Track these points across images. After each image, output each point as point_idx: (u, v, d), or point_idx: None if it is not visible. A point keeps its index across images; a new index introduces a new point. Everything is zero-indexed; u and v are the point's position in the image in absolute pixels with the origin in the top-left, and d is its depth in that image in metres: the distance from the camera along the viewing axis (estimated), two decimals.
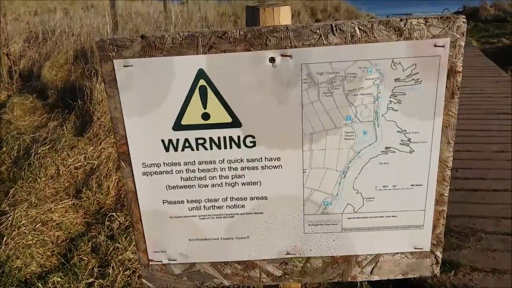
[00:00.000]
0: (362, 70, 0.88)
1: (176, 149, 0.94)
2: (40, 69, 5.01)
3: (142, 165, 0.96)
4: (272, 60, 0.88)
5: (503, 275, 2.33)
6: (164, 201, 0.99)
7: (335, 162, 0.96)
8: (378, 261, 1.05)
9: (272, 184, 0.97)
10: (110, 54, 0.87)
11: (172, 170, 0.96)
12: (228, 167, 0.96)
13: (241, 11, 8.84)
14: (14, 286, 2.43)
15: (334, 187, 0.98)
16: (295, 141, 0.94)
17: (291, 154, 0.95)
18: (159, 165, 0.96)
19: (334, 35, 0.86)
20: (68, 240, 2.82)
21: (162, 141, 0.94)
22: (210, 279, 1.06)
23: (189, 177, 0.97)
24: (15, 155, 3.71)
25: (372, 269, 1.06)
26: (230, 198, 0.99)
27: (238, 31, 0.86)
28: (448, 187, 0.99)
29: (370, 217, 1.00)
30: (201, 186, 0.97)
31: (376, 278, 1.07)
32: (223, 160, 0.95)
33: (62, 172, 3.47)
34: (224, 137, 0.93)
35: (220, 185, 0.97)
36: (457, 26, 0.86)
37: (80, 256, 2.62)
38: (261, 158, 0.95)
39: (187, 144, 0.94)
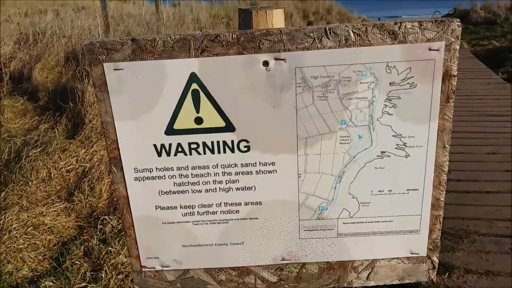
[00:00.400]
0: (356, 74, 0.87)
1: (168, 154, 0.93)
2: (31, 71, 4.96)
3: (134, 170, 0.94)
4: (265, 63, 0.86)
5: (497, 277, 2.34)
6: (157, 207, 0.97)
7: (331, 167, 0.95)
8: (375, 266, 1.04)
9: (266, 189, 0.96)
10: (100, 57, 0.86)
11: (164, 175, 0.94)
12: (222, 172, 0.94)
13: (234, 13, 8.84)
14: None
15: (330, 192, 0.97)
16: (289, 146, 0.92)
17: (286, 158, 0.93)
18: (151, 170, 0.94)
19: (328, 38, 0.85)
20: (60, 244, 2.79)
21: (154, 145, 0.92)
22: (204, 285, 1.05)
23: (182, 182, 0.95)
24: (5, 158, 3.66)
25: (369, 274, 1.05)
26: (224, 203, 0.97)
27: (230, 34, 0.84)
28: (444, 192, 0.98)
29: (366, 222, 0.99)
30: (195, 191, 0.96)
31: (372, 283, 1.06)
32: (217, 165, 0.94)
33: (54, 175, 3.43)
34: (218, 142, 0.92)
35: (214, 190, 0.96)
36: (452, 29, 0.85)
37: (72, 260, 2.59)
38: (256, 163, 0.94)
39: (180, 149, 0.92)
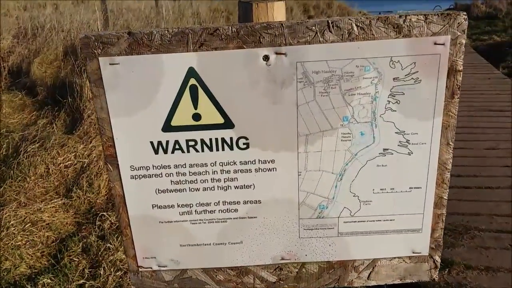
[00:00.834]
0: (359, 68, 0.85)
1: (165, 152, 0.90)
2: (29, 65, 4.92)
3: (130, 168, 0.92)
4: (266, 58, 0.84)
5: (497, 273, 2.33)
6: (154, 206, 0.95)
7: (332, 165, 0.92)
8: (375, 266, 1.02)
9: (266, 188, 0.94)
10: (95, 51, 0.83)
11: (161, 173, 0.92)
12: (221, 170, 0.92)
13: (234, 7, 8.78)
14: None
15: (330, 190, 0.94)
16: (290, 143, 0.90)
17: (286, 156, 0.91)
18: (148, 168, 0.91)
19: (331, 32, 0.82)
20: (58, 241, 2.78)
21: (151, 143, 0.89)
22: (202, 285, 1.03)
23: (180, 181, 0.92)
24: (3, 153, 3.64)
25: (369, 274, 1.03)
26: (223, 202, 0.95)
27: (230, 28, 0.81)
28: (448, 190, 0.96)
29: (367, 221, 0.97)
30: (192, 189, 0.93)
31: (373, 283, 1.04)
32: (215, 163, 0.91)
33: (52, 170, 3.41)
34: (216, 139, 0.89)
35: (212, 188, 0.93)
36: (458, 23, 0.82)
37: (71, 257, 2.58)
38: (255, 161, 0.91)
39: (177, 146, 0.90)
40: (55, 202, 3.09)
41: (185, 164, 0.91)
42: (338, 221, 0.97)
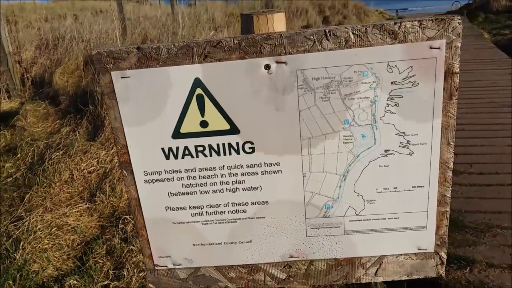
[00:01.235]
0: (357, 74, 0.88)
1: (176, 157, 0.96)
2: (51, 75, 5.09)
3: (143, 173, 0.98)
4: (267, 67, 0.89)
5: None
6: (167, 208, 1.01)
7: (335, 166, 0.96)
8: (382, 262, 1.05)
9: (272, 189, 0.98)
10: (107, 66, 0.89)
11: (173, 178, 0.98)
12: (228, 173, 0.97)
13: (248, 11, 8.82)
14: None
15: (335, 190, 0.98)
16: (293, 146, 0.94)
17: (290, 159, 0.95)
18: (160, 172, 0.97)
19: (328, 40, 0.87)
20: (83, 243, 2.87)
21: (162, 149, 0.95)
22: (215, 282, 1.08)
23: (190, 184, 0.98)
24: (29, 161, 3.78)
25: (376, 270, 1.06)
26: (232, 203, 1.00)
27: (232, 40, 0.87)
28: (450, 188, 0.99)
29: (372, 220, 1.01)
30: (203, 192, 0.99)
31: (380, 279, 1.07)
32: (223, 167, 0.96)
33: (76, 176, 3.53)
34: (223, 144, 0.95)
35: (221, 191, 0.99)
36: (453, 27, 0.85)
37: (96, 259, 2.66)
38: (261, 164, 0.96)
39: (186, 152, 0.95)
40: (80, 206, 3.20)
41: (194, 169, 0.97)
42: (344, 220, 1.01)
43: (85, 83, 4.76)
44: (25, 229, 2.87)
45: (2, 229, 2.91)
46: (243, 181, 0.98)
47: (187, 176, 0.97)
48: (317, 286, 2.37)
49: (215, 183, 0.98)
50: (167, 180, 0.98)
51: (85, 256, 2.70)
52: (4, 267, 2.62)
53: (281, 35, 0.86)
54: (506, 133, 4.19)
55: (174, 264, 1.06)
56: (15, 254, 2.67)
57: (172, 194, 0.99)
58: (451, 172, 0.97)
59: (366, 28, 0.86)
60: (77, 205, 3.21)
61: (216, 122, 0.92)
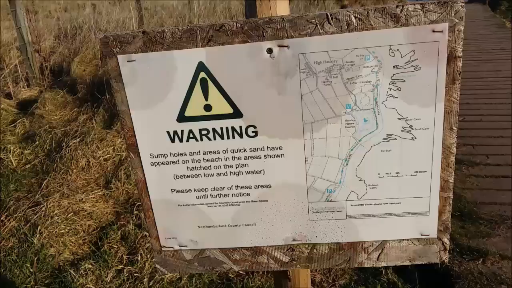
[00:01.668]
0: (359, 58, 0.89)
1: (181, 140, 0.98)
2: (69, 64, 5.18)
3: (150, 156, 1.00)
4: (269, 51, 0.89)
5: None
6: (173, 190, 1.03)
7: (337, 150, 0.97)
8: (385, 247, 1.06)
9: (275, 173, 0.99)
10: (114, 50, 0.92)
11: (178, 160, 1.00)
12: (232, 157, 0.99)
13: None
14: (48, 272, 2.56)
15: (337, 174, 0.99)
16: (296, 130, 0.95)
17: (293, 143, 0.96)
18: (165, 155, 1.00)
19: (330, 24, 0.87)
20: (98, 229, 2.95)
21: (168, 132, 0.97)
22: (220, 264, 1.10)
23: (195, 167, 1.00)
24: (47, 148, 3.87)
25: (379, 255, 1.07)
26: (235, 186, 1.02)
27: (235, 24, 0.88)
28: (453, 174, 0.98)
29: (374, 204, 1.01)
30: (207, 175, 1.01)
31: (383, 264, 1.08)
32: (227, 150, 0.98)
33: (92, 163, 3.60)
34: (227, 128, 0.96)
35: (225, 174, 1.00)
36: (455, 10, 0.85)
37: (110, 244, 2.73)
38: (264, 148, 0.97)
39: (191, 135, 0.97)
40: (96, 193, 3.27)
41: (199, 152, 0.99)
42: (346, 205, 1.02)
43: (102, 72, 4.83)
44: (43, 214, 2.95)
45: (20, 214, 3.00)
46: (247, 165, 0.99)
47: (191, 159, 0.99)
48: (334, 270, 2.39)
49: (219, 167, 1.00)
50: (172, 163, 1.00)
51: (100, 241, 2.77)
52: (22, 250, 2.70)
53: (283, 18, 0.87)
54: None
55: (180, 246, 1.09)
56: (32, 238, 2.76)
57: (177, 177, 1.02)
58: (454, 157, 0.97)
59: (368, 12, 0.86)
60: (93, 192, 3.29)
61: (220, 106, 0.94)
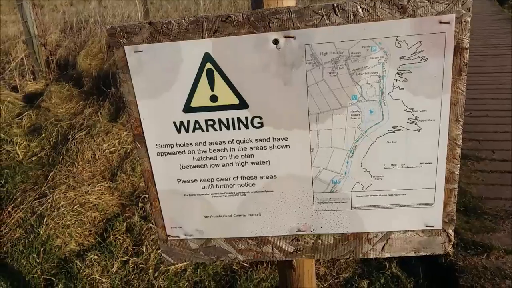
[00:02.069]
0: (366, 49, 0.89)
1: (187, 131, 0.99)
2: (75, 58, 5.20)
3: (156, 146, 1.01)
4: (275, 42, 0.90)
5: None
6: (179, 180, 1.04)
7: (342, 141, 0.97)
8: (389, 238, 1.06)
9: (280, 163, 1.00)
10: (121, 40, 0.92)
11: (184, 151, 1.01)
12: (238, 147, 0.99)
13: None
14: (54, 263, 2.59)
15: (342, 166, 0.99)
16: (301, 121, 0.96)
17: (298, 133, 0.97)
18: (172, 145, 1.00)
19: (337, 15, 0.87)
20: (104, 221, 2.97)
21: (174, 123, 0.98)
22: (225, 254, 1.11)
23: (201, 157, 1.01)
24: (53, 140, 3.90)
25: (383, 246, 1.07)
26: (241, 177, 1.02)
27: (241, 15, 0.88)
28: (459, 165, 0.99)
29: (379, 195, 1.02)
30: (213, 165, 1.02)
31: (387, 255, 1.08)
32: (232, 141, 0.99)
33: (98, 156, 3.62)
34: (232, 118, 0.97)
35: (231, 164, 1.01)
36: (462, 1, 0.85)
37: (116, 236, 2.75)
38: (269, 138, 0.98)
39: (197, 126, 0.98)
40: (101, 185, 3.29)
41: (205, 142, 0.99)
42: (351, 196, 1.02)
43: (107, 66, 4.85)
44: (49, 206, 2.98)
45: (27, 206, 3.03)
46: (252, 155, 1.00)
47: (197, 150, 1.00)
48: (339, 261, 2.39)
49: (225, 157, 1.00)
50: (178, 153, 1.01)
51: (105, 233, 2.79)
52: (29, 241, 2.73)
53: (289, 9, 0.87)
54: None
55: (186, 235, 1.10)
56: (39, 229, 2.79)
57: (183, 167, 1.02)
58: (459, 149, 0.97)
59: (374, 3, 0.86)
60: (99, 184, 3.31)
61: (226, 96, 0.95)
